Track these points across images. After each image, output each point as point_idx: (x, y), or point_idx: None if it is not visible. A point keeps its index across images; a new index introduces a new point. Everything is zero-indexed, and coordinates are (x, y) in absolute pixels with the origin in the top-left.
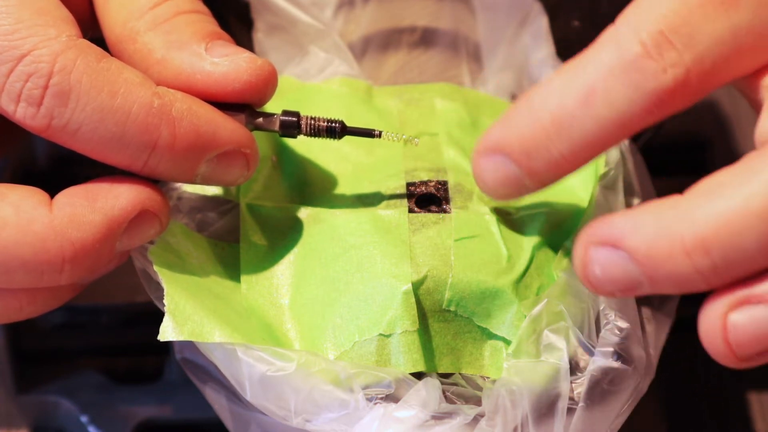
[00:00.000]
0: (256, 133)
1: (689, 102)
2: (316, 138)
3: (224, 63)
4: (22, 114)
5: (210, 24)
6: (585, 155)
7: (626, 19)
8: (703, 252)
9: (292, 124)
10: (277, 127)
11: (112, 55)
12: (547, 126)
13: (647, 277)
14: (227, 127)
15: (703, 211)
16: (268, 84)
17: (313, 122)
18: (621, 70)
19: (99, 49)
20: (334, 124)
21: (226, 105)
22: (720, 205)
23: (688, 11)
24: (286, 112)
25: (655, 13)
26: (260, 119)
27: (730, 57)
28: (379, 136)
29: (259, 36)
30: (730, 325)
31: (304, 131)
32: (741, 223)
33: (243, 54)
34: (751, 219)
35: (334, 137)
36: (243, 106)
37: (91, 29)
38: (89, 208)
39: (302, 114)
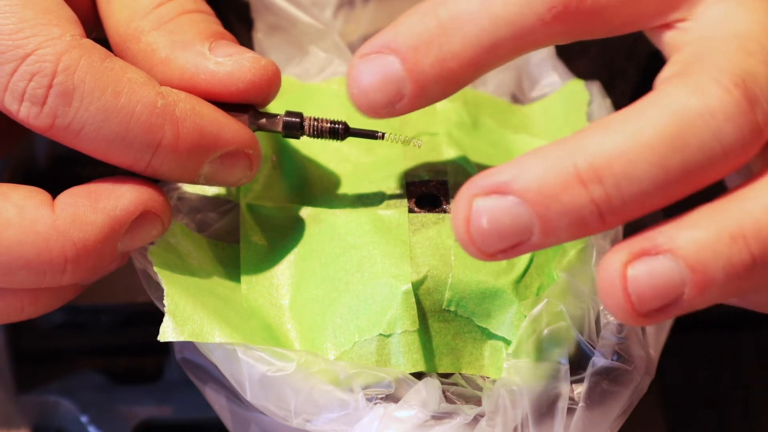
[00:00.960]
0: (257, 133)
1: (586, 27)
2: (319, 139)
3: (228, 63)
4: (25, 113)
5: (214, 24)
6: (474, 58)
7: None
8: (597, 180)
9: (295, 125)
10: (280, 128)
11: (115, 54)
12: (443, 21)
13: (539, 218)
14: (231, 128)
15: (595, 141)
16: (271, 84)
17: (316, 123)
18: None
19: (103, 49)
20: (337, 126)
21: (229, 105)
22: (612, 137)
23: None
24: (289, 113)
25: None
26: (263, 120)
27: None
28: (382, 137)
29: (259, 36)
30: (630, 277)
31: (307, 132)
32: (633, 152)
33: (247, 54)
34: (643, 148)
35: (337, 138)
36: (246, 106)
37: (95, 29)
38: (91, 209)
39: (305, 115)
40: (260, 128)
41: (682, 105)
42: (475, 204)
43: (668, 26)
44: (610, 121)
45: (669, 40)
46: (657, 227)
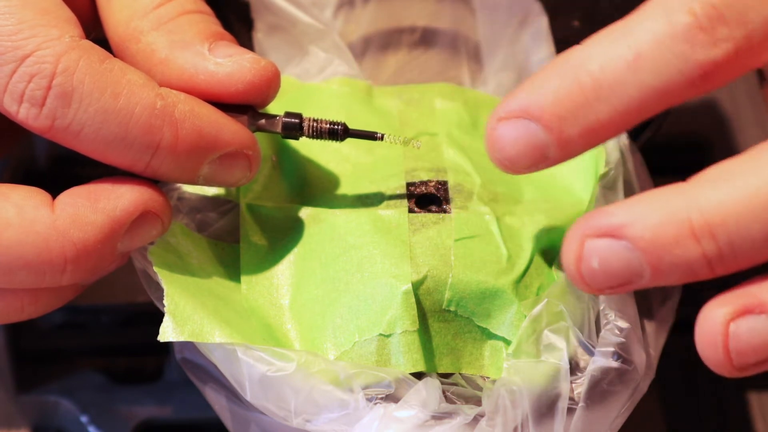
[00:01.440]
0: (256, 134)
1: (731, 78)
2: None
3: (228, 63)
4: (24, 114)
5: (213, 24)
6: (621, 122)
7: None
8: (710, 236)
9: (295, 126)
10: (279, 129)
11: (115, 55)
12: (587, 89)
13: (651, 265)
14: (230, 129)
15: (711, 196)
16: (271, 85)
17: (315, 124)
18: (670, 38)
19: (102, 50)
20: (336, 126)
21: (228, 106)
22: (729, 192)
23: None
24: (288, 114)
25: None
26: (262, 121)
27: None
28: (382, 138)
29: (259, 36)
30: (732, 334)
31: (307, 133)
32: (749, 211)
33: (246, 55)
34: (760, 208)
35: (337, 139)
36: (245, 107)
37: (95, 30)
38: (91, 209)
39: (305, 116)
40: (259, 129)
41: None
42: (588, 244)
43: None
44: (727, 172)
45: None
46: (758, 282)
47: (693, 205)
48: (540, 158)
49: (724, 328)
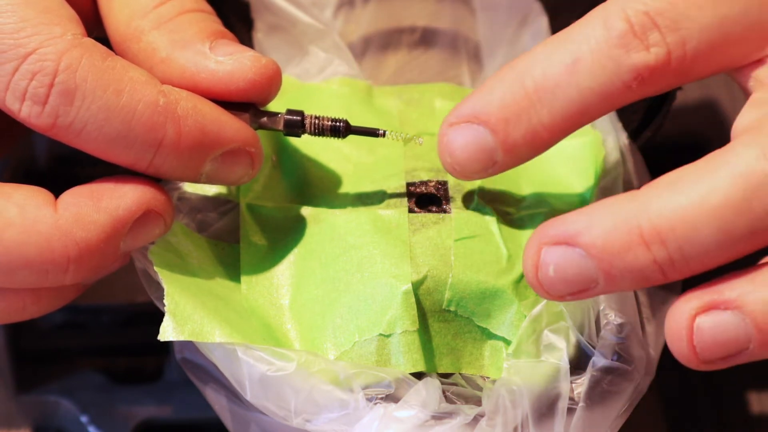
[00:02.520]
0: (258, 132)
1: (671, 83)
2: (319, 137)
3: (229, 62)
4: (27, 112)
5: (214, 23)
6: (564, 126)
7: None
8: (660, 243)
9: (297, 123)
10: (281, 126)
11: (116, 54)
12: (531, 92)
13: (603, 272)
14: (232, 126)
15: (660, 202)
16: (272, 83)
17: (317, 121)
18: (606, 43)
19: (104, 48)
20: (338, 124)
21: (230, 104)
22: (678, 199)
23: None
24: (290, 111)
25: None
26: (264, 118)
27: (716, 45)
28: (383, 135)
29: (259, 36)
30: (696, 328)
31: (309, 130)
32: (697, 218)
33: (247, 53)
34: (707, 214)
35: (339, 136)
36: (247, 105)
37: (96, 28)
38: (94, 208)
39: (306, 113)
40: (261, 126)
41: (751, 168)
42: (544, 252)
43: (759, 62)
44: (678, 179)
45: (757, 76)
46: (728, 280)
47: (643, 212)
48: (488, 162)
49: (689, 322)
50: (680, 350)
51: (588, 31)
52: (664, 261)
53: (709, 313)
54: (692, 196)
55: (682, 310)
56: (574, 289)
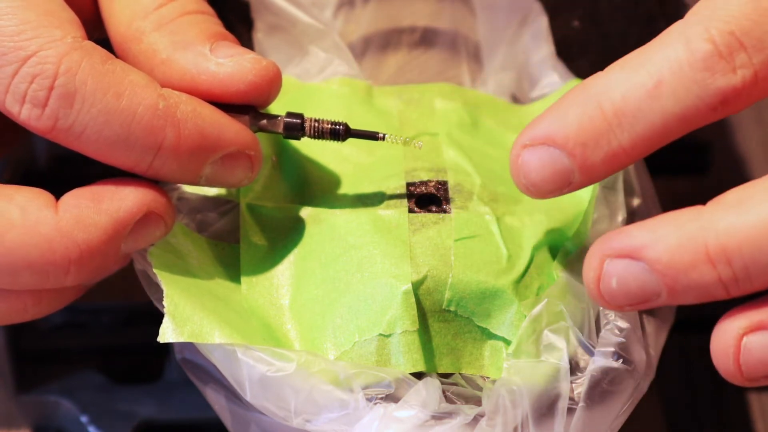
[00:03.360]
0: (257, 134)
1: (752, 102)
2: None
3: (229, 63)
4: (26, 115)
5: (215, 25)
6: (643, 149)
7: (697, 16)
8: (726, 261)
9: (296, 126)
10: (281, 129)
11: (117, 55)
12: (609, 116)
13: (667, 287)
14: (232, 129)
15: (727, 221)
16: (272, 85)
17: (316, 124)
18: (690, 65)
19: (104, 51)
20: (338, 127)
21: (230, 106)
22: (745, 218)
23: (758, 14)
24: (290, 114)
25: (727, 12)
26: (264, 121)
27: None
28: (383, 138)
29: (259, 36)
30: (743, 347)
31: (308, 133)
32: (764, 237)
33: (248, 55)
34: None
35: (338, 139)
36: (247, 107)
37: (97, 30)
38: (95, 210)
39: (306, 116)
40: (261, 129)
41: None
42: (607, 265)
43: None
44: (746, 198)
45: None
46: None
47: (710, 229)
48: (564, 184)
49: (737, 341)
50: (726, 368)
51: (669, 52)
52: (728, 279)
53: (757, 333)
54: (760, 216)
55: (730, 328)
56: (635, 301)
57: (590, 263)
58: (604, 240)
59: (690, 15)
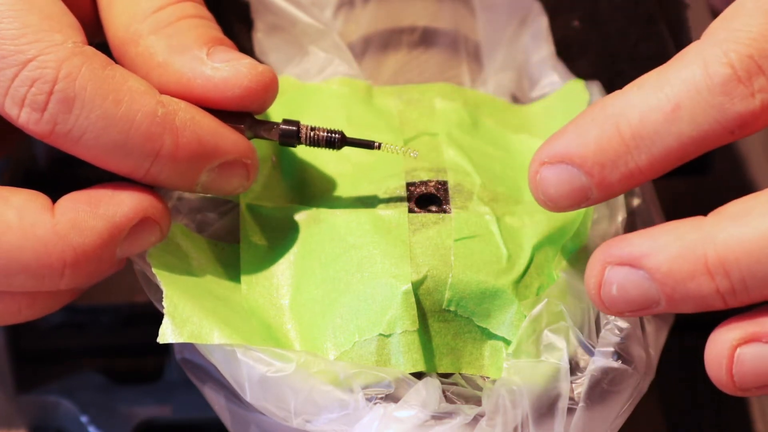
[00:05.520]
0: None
1: (767, 124)
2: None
3: (225, 68)
4: (25, 119)
5: (213, 29)
6: (659, 169)
7: (714, 38)
8: (724, 273)
9: (292, 134)
10: (276, 136)
11: (114, 58)
12: (627, 138)
13: (666, 296)
14: (229, 137)
15: (727, 233)
16: (268, 90)
17: (312, 133)
18: (708, 89)
19: (104, 57)
20: (333, 135)
21: (226, 113)
22: (745, 231)
23: None
24: (286, 122)
25: (746, 35)
26: (260, 128)
27: None
28: (379, 147)
29: (259, 36)
30: (736, 358)
31: (304, 141)
32: (762, 251)
33: (244, 60)
34: None
35: (334, 148)
36: (243, 114)
37: (97, 34)
38: (91, 214)
39: (302, 123)
40: (257, 136)
41: None
42: (608, 272)
43: None
44: (745, 211)
45: None
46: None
47: (709, 241)
48: (582, 200)
49: (730, 352)
50: (718, 377)
51: (686, 75)
52: (726, 291)
53: (750, 344)
54: (759, 229)
55: (724, 338)
56: (635, 308)
57: (592, 270)
58: (606, 247)
59: (707, 36)
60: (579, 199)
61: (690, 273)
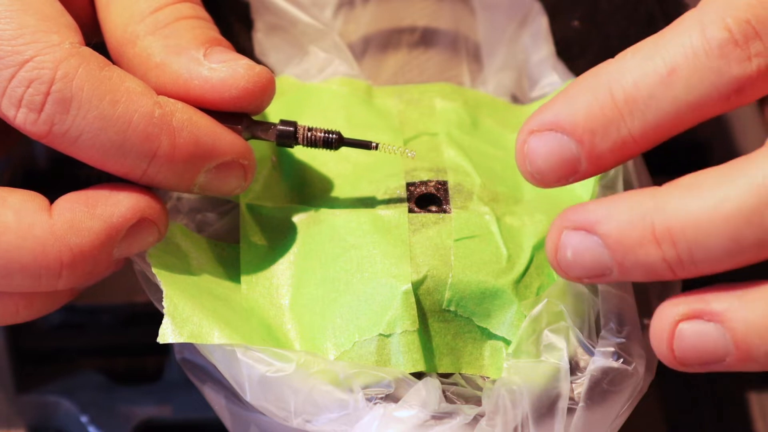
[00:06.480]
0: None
1: (764, 92)
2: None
3: (222, 69)
4: (22, 119)
5: (210, 30)
6: (653, 138)
7: (711, 4)
8: (671, 242)
9: (289, 135)
10: (274, 137)
11: (112, 58)
12: (620, 103)
13: (617, 263)
14: (226, 138)
15: (677, 203)
16: (265, 91)
17: (309, 134)
18: (706, 53)
19: (101, 57)
20: (330, 136)
21: (223, 114)
22: (694, 202)
23: None
24: (283, 122)
25: (743, 1)
26: (257, 129)
27: None
28: (376, 148)
29: (259, 36)
30: (677, 333)
31: (301, 142)
32: (709, 223)
33: (241, 61)
34: (719, 221)
35: (331, 148)
36: (241, 115)
37: (95, 34)
38: (89, 215)
39: (300, 124)
40: (254, 137)
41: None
42: (564, 236)
43: None
44: (698, 182)
45: None
46: (718, 291)
47: (659, 210)
48: (570, 172)
49: (672, 327)
50: (660, 350)
51: (684, 39)
52: (672, 260)
53: (693, 321)
54: (707, 202)
55: (669, 313)
56: (590, 274)
57: (550, 234)
58: (565, 212)
59: (704, 3)
60: (567, 171)
61: (638, 240)
